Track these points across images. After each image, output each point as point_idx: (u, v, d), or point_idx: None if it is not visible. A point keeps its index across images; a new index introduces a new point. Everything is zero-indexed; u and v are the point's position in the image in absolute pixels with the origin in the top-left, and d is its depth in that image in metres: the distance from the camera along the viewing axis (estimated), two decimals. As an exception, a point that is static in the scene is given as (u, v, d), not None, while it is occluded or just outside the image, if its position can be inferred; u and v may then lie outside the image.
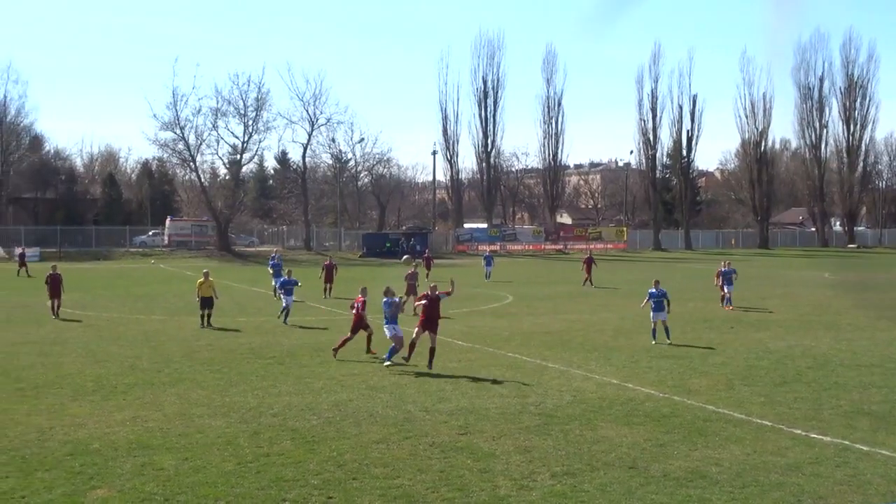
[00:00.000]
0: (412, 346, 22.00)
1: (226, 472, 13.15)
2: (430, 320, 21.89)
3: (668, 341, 26.14)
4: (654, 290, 26.85)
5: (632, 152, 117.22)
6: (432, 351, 21.75)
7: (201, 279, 31.01)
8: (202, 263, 74.99)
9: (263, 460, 13.74)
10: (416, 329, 22.06)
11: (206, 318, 30.14)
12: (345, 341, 23.45)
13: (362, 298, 23.69)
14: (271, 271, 42.42)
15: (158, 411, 17.12)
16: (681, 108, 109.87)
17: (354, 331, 23.54)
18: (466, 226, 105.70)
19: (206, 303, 30.49)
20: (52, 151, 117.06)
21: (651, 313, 26.98)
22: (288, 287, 31.72)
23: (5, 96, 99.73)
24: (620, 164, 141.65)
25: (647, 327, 27.78)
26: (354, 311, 23.62)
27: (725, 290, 36.20)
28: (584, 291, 46.15)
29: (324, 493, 12.18)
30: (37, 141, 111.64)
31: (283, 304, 31.31)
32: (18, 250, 65.41)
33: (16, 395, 18.62)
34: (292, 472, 13.10)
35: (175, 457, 13.93)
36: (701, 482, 12.70)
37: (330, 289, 41.64)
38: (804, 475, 13.00)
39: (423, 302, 22.24)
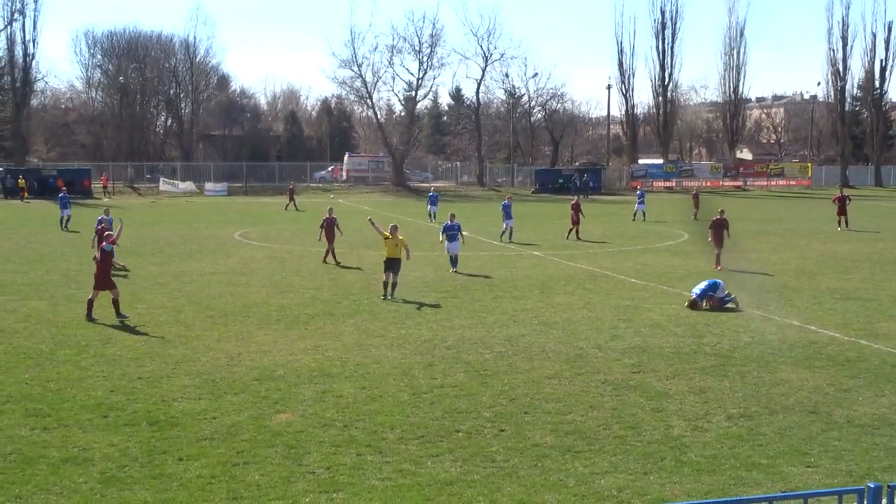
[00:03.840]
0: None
1: (401, 401, 13.55)
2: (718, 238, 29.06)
3: None
4: None
5: (819, 84, 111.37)
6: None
7: (387, 234, 23.54)
8: (379, 199, 76.85)
9: (437, 392, 14.07)
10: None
11: (389, 288, 22.92)
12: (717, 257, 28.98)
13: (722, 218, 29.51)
14: (429, 202, 51.86)
15: (338, 341, 17.77)
16: (874, 35, 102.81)
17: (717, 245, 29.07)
18: (641, 161, 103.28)
19: (392, 266, 23.12)
20: (238, 90, 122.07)
21: None
22: (451, 233, 28.24)
23: (195, 37, 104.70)
24: (806, 96, 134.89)
25: (831, 267, 26.75)
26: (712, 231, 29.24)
27: None
28: (783, 230, 44.44)
29: (496, 425, 12.37)
30: (224, 80, 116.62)
31: (449, 254, 28.40)
32: (291, 184, 69.07)
33: (207, 322, 19.73)
34: (465, 404, 13.35)
35: (353, 385, 14.45)
36: (888, 430, 12.16)
37: (577, 230, 38.57)
38: None
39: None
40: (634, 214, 51.22)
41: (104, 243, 20.83)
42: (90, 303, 20.11)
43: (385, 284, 23.03)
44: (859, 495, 6.27)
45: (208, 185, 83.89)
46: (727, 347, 17.20)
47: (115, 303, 20.01)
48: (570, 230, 38.71)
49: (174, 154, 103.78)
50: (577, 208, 39.01)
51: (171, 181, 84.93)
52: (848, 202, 44.27)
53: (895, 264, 29.76)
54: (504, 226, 37.83)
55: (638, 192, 55.63)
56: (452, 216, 29.20)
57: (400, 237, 23.50)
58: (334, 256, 30.12)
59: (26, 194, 70.18)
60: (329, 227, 30.55)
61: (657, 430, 12.19)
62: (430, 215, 49.15)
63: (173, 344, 17.50)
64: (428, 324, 19.57)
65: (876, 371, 15.36)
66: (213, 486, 10.22)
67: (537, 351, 16.92)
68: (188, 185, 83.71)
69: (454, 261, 28.31)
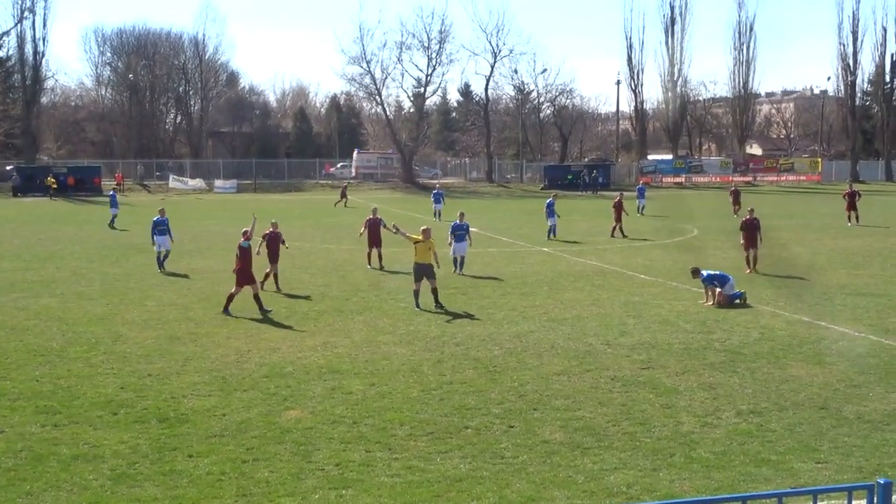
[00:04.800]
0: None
1: (411, 398, 13.57)
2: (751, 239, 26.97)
3: None
4: None
5: (829, 79, 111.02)
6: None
7: (418, 237, 21.66)
8: (388, 195, 76.82)
9: (446, 388, 14.08)
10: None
11: (419, 296, 21.05)
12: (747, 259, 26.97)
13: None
14: (433, 200, 50.53)
15: (347, 338, 17.80)
16: (885, 30, 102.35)
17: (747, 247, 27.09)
18: (650, 157, 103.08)
19: (425, 272, 21.10)
20: (247, 87, 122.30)
21: None
22: (459, 233, 26.88)
23: (204, 34, 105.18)
24: (816, 91, 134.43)
25: (842, 263, 26.72)
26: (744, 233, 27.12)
27: None
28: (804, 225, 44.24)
29: (505, 421, 12.38)
30: (233, 77, 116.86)
31: (452, 255, 27.03)
32: (344, 182, 69.59)
33: (217, 319, 19.76)
34: (474, 401, 13.36)
35: (363, 382, 14.47)
36: (898, 426, 12.12)
37: (621, 227, 38.20)
38: None
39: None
40: (639, 210, 51.18)
41: (241, 240, 20.96)
42: (230, 297, 20.52)
43: (416, 294, 20.97)
44: (869, 491, 6.25)
45: (217, 183, 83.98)
46: (737, 343, 17.17)
47: (257, 297, 20.54)
48: (614, 227, 38.37)
49: (183, 151, 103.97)
50: (619, 206, 38.60)
51: (181, 178, 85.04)
52: (857, 198, 44.04)
53: (906, 259, 29.65)
54: (549, 224, 37.49)
55: (639, 187, 56.40)
56: (462, 215, 27.92)
57: (431, 241, 21.53)
58: (380, 260, 27.97)
59: (54, 188, 70.44)
60: (373, 228, 28.11)
61: (666, 426, 12.18)
62: (435, 214, 48.63)
63: (183, 341, 17.55)
64: (437, 320, 19.58)
65: (886, 367, 15.31)
66: (222, 483, 10.26)
67: (546, 347, 16.91)
68: (198, 183, 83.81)
69: (458, 263, 26.98)
